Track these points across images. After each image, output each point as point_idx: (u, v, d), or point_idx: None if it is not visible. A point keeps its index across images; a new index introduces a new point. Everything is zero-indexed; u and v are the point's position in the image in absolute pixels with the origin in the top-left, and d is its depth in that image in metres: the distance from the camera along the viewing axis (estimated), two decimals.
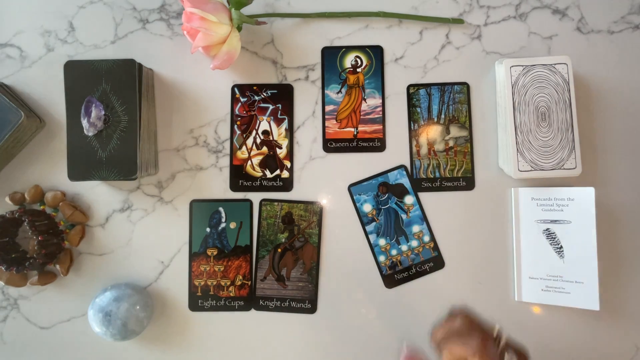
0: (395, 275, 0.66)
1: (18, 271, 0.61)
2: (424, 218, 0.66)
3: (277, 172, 0.67)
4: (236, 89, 0.67)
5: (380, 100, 0.67)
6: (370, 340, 0.66)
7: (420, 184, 0.66)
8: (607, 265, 0.64)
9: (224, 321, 0.66)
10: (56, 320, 0.66)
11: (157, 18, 0.68)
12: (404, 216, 0.66)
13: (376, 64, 0.68)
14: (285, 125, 0.67)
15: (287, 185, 0.67)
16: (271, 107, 0.67)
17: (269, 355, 0.66)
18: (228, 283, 0.66)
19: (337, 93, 0.67)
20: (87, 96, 0.60)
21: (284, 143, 0.67)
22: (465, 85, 0.67)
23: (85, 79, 0.60)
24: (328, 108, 0.67)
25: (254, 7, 0.67)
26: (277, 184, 0.67)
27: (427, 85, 0.67)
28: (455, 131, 0.67)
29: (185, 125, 0.67)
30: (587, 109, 0.66)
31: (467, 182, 0.66)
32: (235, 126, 0.67)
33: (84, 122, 0.60)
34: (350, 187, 0.67)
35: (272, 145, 0.67)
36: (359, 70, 0.67)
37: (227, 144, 0.67)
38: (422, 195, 0.66)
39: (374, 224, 0.66)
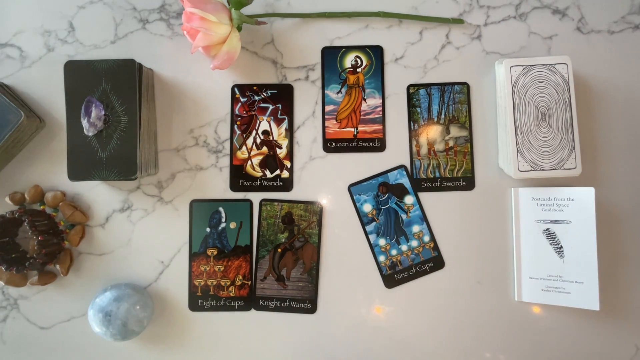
0: (395, 275, 0.66)
1: (18, 271, 0.61)
2: (424, 218, 0.66)
3: (277, 172, 0.67)
4: (236, 89, 0.67)
5: (380, 100, 0.67)
6: (370, 340, 0.66)
7: (420, 184, 0.66)
8: (607, 265, 0.64)
9: (224, 321, 0.66)
10: (56, 320, 0.66)
11: (157, 18, 0.68)
12: (404, 216, 0.66)
13: (376, 64, 0.68)
14: (285, 125, 0.67)
15: (287, 185, 0.67)
16: (271, 107, 0.67)
17: (269, 355, 0.66)
18: (228, 283, 0.66)
19: (337, 93, 0.68)
20: (87, 96, 0.60)
21: (284, 143, 0.67)
22: (465, 85, 0.67)
23: (85, 79, 0.60)
24: (328, 108, 0.67)
25: (254, 7, 0.67)
26: (277, 184, 0.67)
27: (427, 85, 0.67)
28: (455, 131, 0.67)
29: (185, 125, 0.67)
30: (587, 109, 0.66)
31: (467, 182, 0.66)
32: (235, 126, 0.67)
33: (84, 122, 0.60)
34: (350, 187, 0.67)
35: (272, 145, 0.67)
36: (359, 70, 0.67)
37: (227, 144, 0.67)
38: (422, 195, 0.66)
39: (374, 224, 0.66)
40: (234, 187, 0.67)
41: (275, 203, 0.66)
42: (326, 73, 0.68)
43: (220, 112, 0.67)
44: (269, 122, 0.67)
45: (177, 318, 0.66)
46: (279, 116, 0.67)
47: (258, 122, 0.67)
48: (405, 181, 0.66)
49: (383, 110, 0.67)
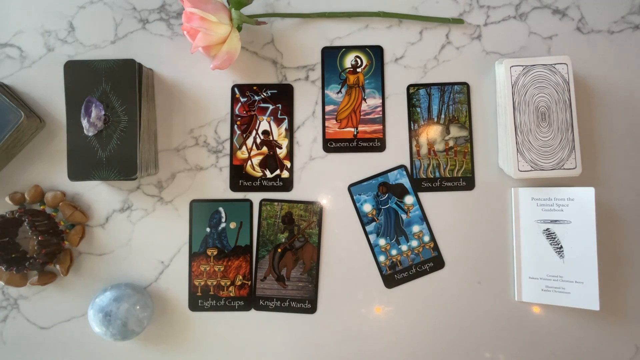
0: (395, 275, 0.66)
1: (18, 271, 0.61)
2: (424, 218, 0.66)
3: (277, 172, 0.67)
4: (236, 89, 0.67)
5: (380, 100, 0.67)
6: (370, 340, 0.66)
7: (420, 184, 0.66)
8: (607, 265, 0.64)
9: (224, 321, 0.66)
10: (56, 320, 0.66)
11: (157, 18, 0.68)
12: (404, 216, 0.66)
13: (376, 64, 0.68)
14: (285, 125, 0.67)
15: (287, 185, 0.67)
16: (271, 107, 0.67)
17: (269, 355, 0.66)
18: (228, 283, 0.66)
19: (337, 93, 0.68)
20: (87, 96, 0.60)
21: (284, 143, 0.67)
22: (465, 85, 0.67)
23: (85, 79, 0.60)
24: (328, 108, 0.67)
25: (254, 7, 0.67)
26: (277, 184, 0.67)
27: (427, 85, 0.67)
28: (455, 131, 0.67)
29: (185, 125, 0.67)
30: (587, 109, 0.66)
31: (467, 182, 0.66)
32: (235, 126, 0.67)
33: (84, 122, 0.60)
34: (350, 187, 0.67)
35: (272, 145, 0.67)
36: (359, 70, 0.67)
37: (227, 144, 0.67)
38: (422, 195, 0.66)
39: (374, 224, 0.66)
40: (234, 187, 0.67)
41: (275, 203, 0.66)
42: (326, 73, 0.68)
43: (220, 112, 0.67)
44: (269, 122, 0.67)
45: (177, 318, 0.66)
46: (279, 116, 0.67)
47: (258, 122, 0.67)
48: (405, 181, 0.66)
49: (383, 110, 0.67)
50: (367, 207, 0.66)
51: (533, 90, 0.61)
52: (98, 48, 0.67)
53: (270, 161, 0.67)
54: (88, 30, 0.67)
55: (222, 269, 0.66)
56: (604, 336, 0.65)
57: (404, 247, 0.66)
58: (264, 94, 0.67)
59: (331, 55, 0.68)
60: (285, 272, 0.66)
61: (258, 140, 0.67)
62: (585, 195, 0.61)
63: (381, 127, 0.67)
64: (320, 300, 0.66)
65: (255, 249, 0.66)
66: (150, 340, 0.66)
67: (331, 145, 0.67)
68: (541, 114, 0.61)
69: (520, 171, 0.61)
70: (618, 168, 0.66)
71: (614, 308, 0.65)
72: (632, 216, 0.65)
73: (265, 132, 0.67)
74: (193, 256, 0.66)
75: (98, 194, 0.67)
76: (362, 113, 0.67)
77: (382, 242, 0.66)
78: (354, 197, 0.67)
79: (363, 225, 0.66)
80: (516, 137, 0.61)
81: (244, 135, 0.67)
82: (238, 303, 0.66)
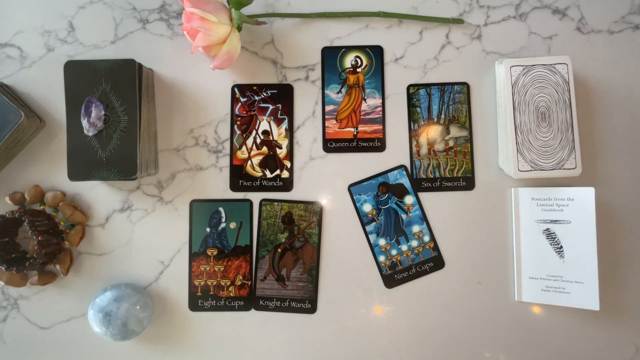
0: (395, 275, 0.66)
1: (18, 271, 0.61)
2: (424, 218, 0.66)
3: (277, 172, 0.67)
4: (236, 89, 0.67)
5: (380, 100, 0.67)
6: (370, 340, 0.66)
7: (420, 184, 0.66)
8: (607, 265, 0.64)
9: (224, 321, 0.66)
10: (56, 320, 0.66)
11: (157, 18, 0.68)
12: (404, 216, 0.66)
13: (376, 64, 0.68)
14: (285, 125, 0.67)
15: (287, 185, 0.67)
16: (271, 107, 0.67)
17: (269, 355, 0.66)
18: (228, 283, 0.66)
19: (337, 93, 0.68)
20: (87, 96, 0.60)
21: (284, 143, 0.67)
22: (465, 85, 0.67)
23: (85, 79, 0.60)
24: (328, 108, 0.67)
25: (254, 7, 0.67)
26: (277, 184, 0.67)
27: (427, 85, 0.67)
28: (455, 131, 0.67)
29: (185, 125, 0.67)
30: (587, 109, 0.66)
31: (467, 182, 0.66)
32: (235, 126, 0.67)
33: (84, 122, 0.60)
34: (350, 187, 0.67)
35: (272, 145, 0.67)
36: (359, 70, 0.67)
37: (227, 144, 0.67)
38: (422, 195, 0.66)
39: (374, 224, 0.66)
40: (234, 187, 0.67)
41: (275, 203, 0.66)
42: (326, 73, 0.68)
43: (220, 112, 0.67)
44: (269, 122, 0.67)
45: (177, 318, 0.66)
46: (279, 116, 0.67)
47: (258, 122, 0.67)
48: (405, 181, 0.66)
49: (383, 110, 0.67)
50: (367, 207, 0.66)
51: (533, 90, 0.61)
52: (98, 48, 0.67)
53: (270, 161, 0.67)
54: (88, 30, 0.67)
55: (222, 269, 0.66)
56: (604, 336, 0.65)
57: (404, 247, 0.66)
58: (264, 94, 0.67)
59: (331, 55, 0.68)
60: (285, 272, 0.66)
61: (258, 140, 0.67)
62: (585, 195, 0.61)
63: (381, 127, 0.67)
64: (320, 300, 0.66)
65: (255, 249, 0.66)
66: (150, 340, 0.66)
67: (331, 145, 0.67)
68: (541, 114, 0.61)
69: (520, 171, 0.61)
70: (618, 168, 0.66)
71: (614, 308, 0.65)
72: (632, 216, 0.65)
73: (265, 132, 0.67)
74: (193, 256, 0.66)
75: (98, 194, 0.67)
76: (362, 113, 0.67)
77: (382, 242, 0.66)
78: (354, 197, 0.67)
79: (363, 225, 0.66)
80: (516, 137, 0.61)
81: (244, 135, 0.67)
82: (238, 303, 0.66)
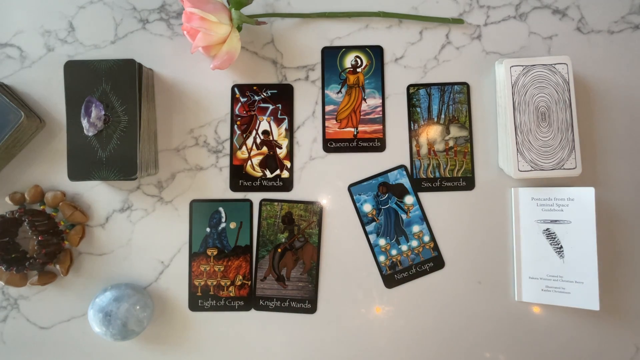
0: (395, 275, 0.66)
1: (18, 271, 0.61)
2: (424, 218, 0.66)
3: (277, 172, 0.67)
4: (236, 89, 0.67)
5: (380, 100, 0.67)
6: (370, 340, 0.66)
7: (420, 184, 0.66)
8: (607, 265, 0.64)
9: (224, 321, 0.66)
10: (56, 320, 0.66)
11: (157, 18, 0.68)
12: (404, 216, 0.66)
13: (376, 64, 0.68)
14: (285, 125, 0.67)
15: (287, 185, 0.67)
16: (271, 107, 0.67)
17: (269, 355, 0.66)
18: (228, 283, 0.66)
19: (337, 93, 0.67)
20: (87, 96, 0.60)
21: (284, 143, 0.67)
22: (465, 85, 0.67)
23: (85, 79, 0.60)
24: (328, 108, 0.67)
25: (254, 7, 0.67)
26: (277, 184, 0.67)
27: (427, 85, 0.67)
28: (455, 131, 0.67)
29: (185, 125, 0.67)
30: (587, 109, 0.66)
31: (467, 182, 0.66)
32: (235, 126, 0.67)
33: (84, 122, 0.60)
34: (350, 187, 0.67)
35: (272, 145, 0.67)
36: (359, 70, 0.67)
37: (227, 144, 0.67)
38: (422, 195, 0.66)
39: (374, 224, 0.66)
40: (234, 187, 0.67)
41: (275, 203, 0.66)
42: (326, 73, 0.68)
43: (220, 112, 0.67)
44: (269, 122, 0.67)
45: (177, 318, 0.66)
46: (279, 116, 0.67)
47: (258, 122, 0.67)
48: (405, 181, 0.66)
49: (383, 110, 0.67)
50: (367, 207, 0.66)
51: (533, 90, 0.61)
52: (98, 48, 0.67)
53: (270, 161, 0.67)
54: (88, 30, 0.67)
55: (222, 269, 0.66)
56: (604, 336, 0.65)
57: (404, 247, 0.66)
58: (264, 94, 0.67)
59: (331, 55, 0.68)
60: (285, 272, 0.66)
61: (258, 140, 0.67)
62: (585, 195, 0.61)
63: (381, 127, 0.67)
64: (320, 300, 0.66)
65: (255, 249, 0.66)
66: (150, 340, 0.66)
67: (331, 145, 0.67)
68: (541, 114, 0.61)
69: (520, 171, 0.61)
70: (618, 168, 0.66)
71: (614, 308, 0.65)
72: (632, 216, 0.65)
73: (265, 132, 0.67)
74: (193, 256, 0.66)
75: (98, 194, 0.67)
76: (362, 113, 0.67)
77: (382, 242, 0.66)
78: (354, 197, 0.67)
79: (363, 225, 0.66)
80: (516, 137, 0.61)
81: (244, 135, 0.67)
82: (238, 303, 0.66)
